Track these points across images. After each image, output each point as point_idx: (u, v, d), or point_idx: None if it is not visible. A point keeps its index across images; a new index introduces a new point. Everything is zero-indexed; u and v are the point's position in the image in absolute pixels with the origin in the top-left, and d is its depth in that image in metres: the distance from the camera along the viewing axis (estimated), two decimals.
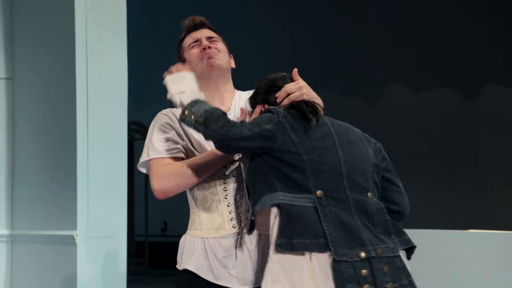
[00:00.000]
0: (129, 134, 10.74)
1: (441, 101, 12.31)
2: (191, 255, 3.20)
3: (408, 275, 2.91)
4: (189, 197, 3.31)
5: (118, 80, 5.91)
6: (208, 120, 2.91)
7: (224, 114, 2.95)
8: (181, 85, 3.08)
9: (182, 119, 3.00)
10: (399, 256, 2.93)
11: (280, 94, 3.15)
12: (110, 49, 5.88)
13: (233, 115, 3.33)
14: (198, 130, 2.95)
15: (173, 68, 3.17)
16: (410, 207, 3.19)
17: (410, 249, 3.03)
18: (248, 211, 3.12)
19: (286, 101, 3.13)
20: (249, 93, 3.43)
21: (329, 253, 2.80)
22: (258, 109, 3.20)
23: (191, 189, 3.25)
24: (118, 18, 5.93)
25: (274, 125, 2.94)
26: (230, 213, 3.20)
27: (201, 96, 3.06)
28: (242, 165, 3.20)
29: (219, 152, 3.10)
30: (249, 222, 3.02)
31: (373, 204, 2.97)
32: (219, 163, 3.19)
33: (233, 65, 3.44)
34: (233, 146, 2.92)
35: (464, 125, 12.15)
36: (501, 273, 5.39)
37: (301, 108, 3.06)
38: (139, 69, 12.37)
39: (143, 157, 3.26)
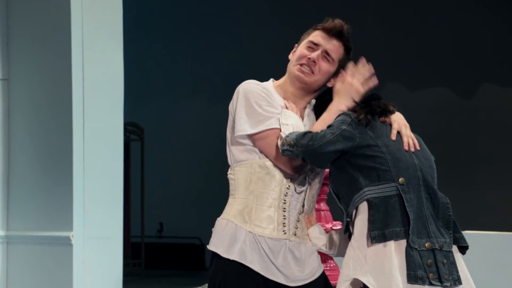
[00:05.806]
0: (125, 135, 10.72)
1: (438, 100, 12.31)
2: (237, 245, 3.23)
3: (457, 270, 3.18)
4: (239, 183, 3.30)
5: (114, 80, 5.91)
6: (297, 140, 3.14)
7: (309, 131, 3.17)
8: (289, 119, 3.27)
9: (282, 150, 3.19)
10: (452, 251, 3.19)
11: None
12: (106, 49, 5.88)
13: (305, 121, 3.39)
14: (294, 154, 3.17)
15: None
16: None
17: (462, 248, 3.29)
18: (299, 218, 3.30)
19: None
20: None
21: (407, 239, 3.07)
22: None
23: (249, 177, 3.28)
24: (114, 18, 5.93)
25: (348, 125, 3.16)
26: (284, 218, 3.27)
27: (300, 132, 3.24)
28: (309, 176, 3.32)
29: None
30: (345, 223, 3.19)
31: (441, 198, 3.23)
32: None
33: (329, 84, 3.38)
34: (323, 152, 3.12)
35: (461, 124, 12.15)
36: (498, 274, 5.39)
37: (373, 108, 3.28)
38: (135, 69, 12.35)
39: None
